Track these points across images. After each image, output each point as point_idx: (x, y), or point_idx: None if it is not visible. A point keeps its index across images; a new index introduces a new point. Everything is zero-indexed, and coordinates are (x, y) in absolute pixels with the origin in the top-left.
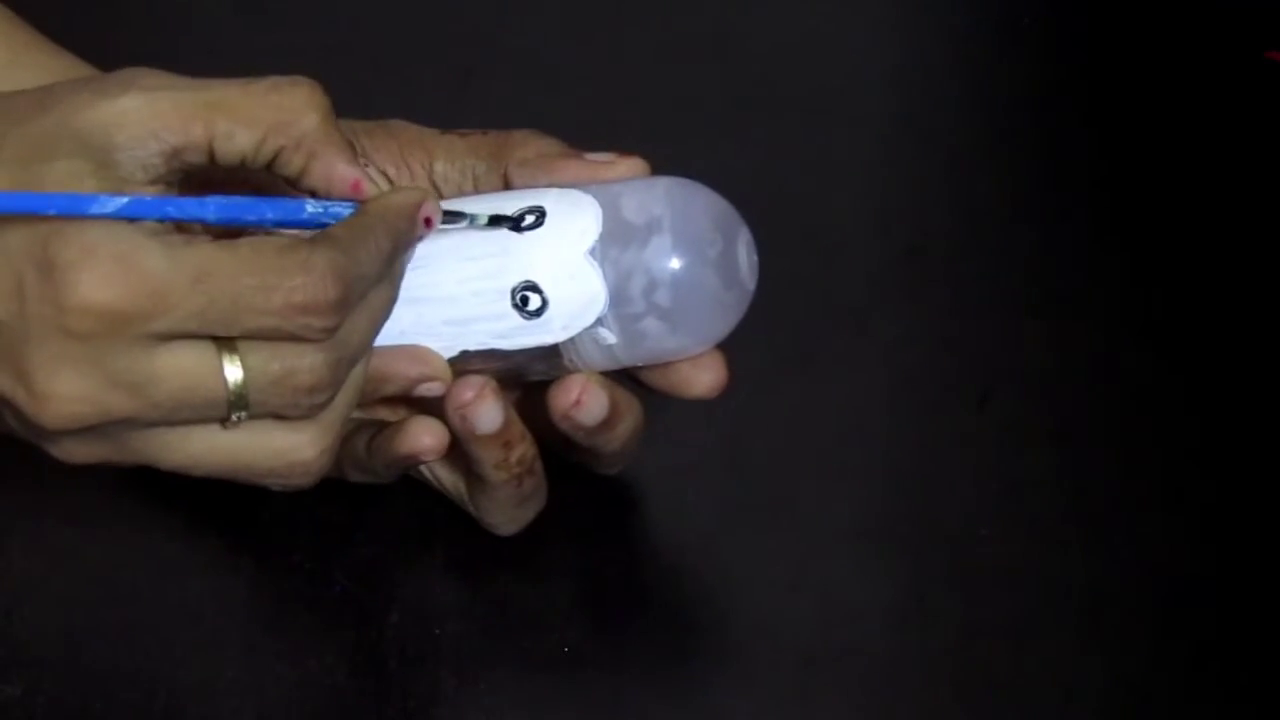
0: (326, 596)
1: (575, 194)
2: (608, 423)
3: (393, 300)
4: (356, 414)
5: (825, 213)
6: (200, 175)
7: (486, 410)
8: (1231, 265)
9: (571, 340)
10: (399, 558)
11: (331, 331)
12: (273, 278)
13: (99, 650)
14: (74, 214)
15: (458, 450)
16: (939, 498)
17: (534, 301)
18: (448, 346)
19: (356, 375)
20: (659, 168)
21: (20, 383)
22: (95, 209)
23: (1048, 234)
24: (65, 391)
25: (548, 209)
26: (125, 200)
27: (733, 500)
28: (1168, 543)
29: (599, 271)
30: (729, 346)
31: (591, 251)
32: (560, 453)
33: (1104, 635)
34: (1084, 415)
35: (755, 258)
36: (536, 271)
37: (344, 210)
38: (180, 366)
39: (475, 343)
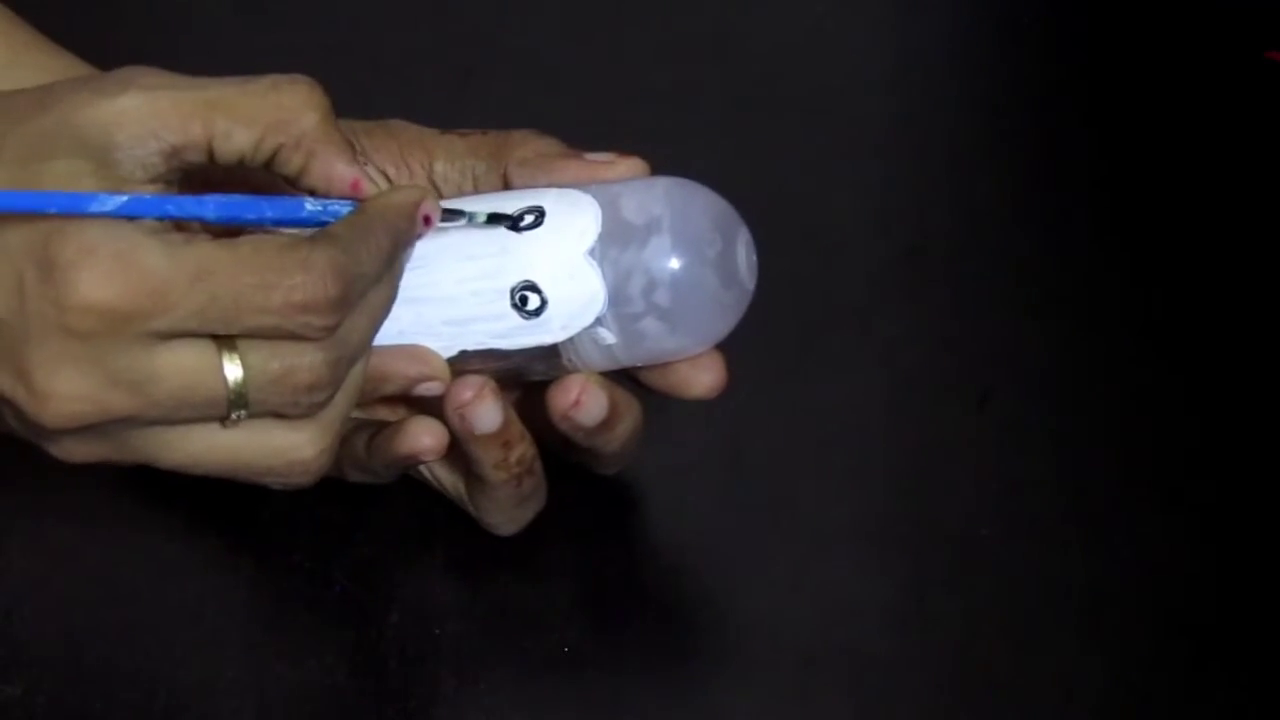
0: (326, 596)
1: (574, 194)
2: (607, 423)
3: (392, 299)
4: (356, 414)
5: (825, 213)
6: (200, 174)
7: (486, 410)
8: (1231, 265)
9: (571, 340)
10: (399, 558)
11: (331, 330)
12: (273, 276)
13: (99, 650)
14: (74, 213)
15: (457, 450)
16: (939, 498)
17: (533, 301)
18: (447, 346)
19: (356, 374)
20: (659, 168)
21: (20, 381)
22: (95, 208)
23: (1048, 234)
24: (65, 390)
25: (547, 209)
26: (125, 199)
27: (733, 500)
28: (1168, 543)
29: (598, 271)
30: (729, 346)
31: (591, 251)
32: (560, 453)
33: (1104, 635)
34: (1084, 415)
35: (755, 258)
36: (536, 271)
37: (343, 209)
38: (180, 365)
39: (474, 342)
